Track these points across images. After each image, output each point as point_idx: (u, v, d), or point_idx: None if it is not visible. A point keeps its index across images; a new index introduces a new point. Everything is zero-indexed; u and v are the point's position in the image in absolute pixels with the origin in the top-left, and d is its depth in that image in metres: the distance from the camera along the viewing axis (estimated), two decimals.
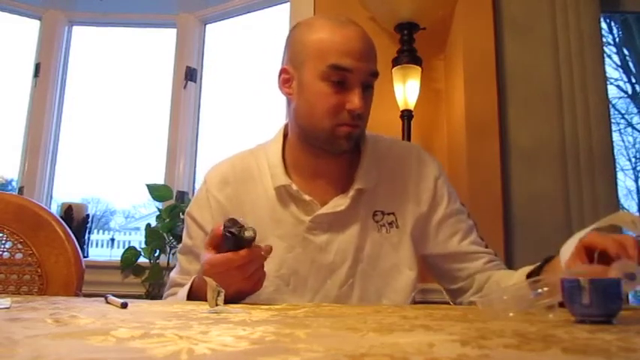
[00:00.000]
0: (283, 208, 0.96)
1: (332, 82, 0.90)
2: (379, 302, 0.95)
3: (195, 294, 0.86)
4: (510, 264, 1.63)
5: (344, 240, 0.95)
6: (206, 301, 0.67)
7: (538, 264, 0.84)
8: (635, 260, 0.66)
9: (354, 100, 0.89)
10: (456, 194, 1.04)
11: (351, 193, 0.95)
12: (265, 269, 0.93)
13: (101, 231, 4.53)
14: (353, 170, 0.97)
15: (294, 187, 0.95)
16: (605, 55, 1.97)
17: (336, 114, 0.90)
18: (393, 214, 0.98)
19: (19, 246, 1.09)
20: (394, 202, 0.98)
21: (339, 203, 0.95)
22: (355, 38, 0.91)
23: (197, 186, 1.09)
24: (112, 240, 4.29)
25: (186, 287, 0.88)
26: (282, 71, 0.97)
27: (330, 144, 0.93)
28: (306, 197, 0.94)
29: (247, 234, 0.76)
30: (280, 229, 0.95)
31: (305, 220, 0.95)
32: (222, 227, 0.77)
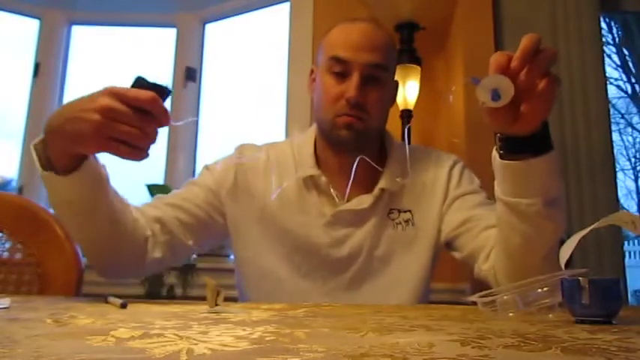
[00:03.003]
0: (309, 197, 0.98)
1: (333, 74, 0.94)
2: (388, 299, 0.94)
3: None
4: None
5: (360, 236, 0.96)
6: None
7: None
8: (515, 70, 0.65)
9: (350, 89, 0.92)
10: (472, 180, 1.02)
11: (375, 192, 0.96)
12: (280, 250, 0.96)
13: None
14: (378, 172, 0.98)
15: (324, 178, 0.97)
16: (605, 55, 1.97)
17: (335, 104, 0.93)
18: (409, 211, 0.98)
19: (19, 246, 1.09)
20: (412, 201, 0.99)
21: (362, 201, 0.96)
22: (357, 31, 0.95)
23: None
24: None
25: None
26: (310, 72, 1.04)
27: (332, 135, 0.95)
28: (333, 191, 0.96)
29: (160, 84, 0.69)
30: (302, 217, 0.97)
31: (327, 213, 0.96)
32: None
